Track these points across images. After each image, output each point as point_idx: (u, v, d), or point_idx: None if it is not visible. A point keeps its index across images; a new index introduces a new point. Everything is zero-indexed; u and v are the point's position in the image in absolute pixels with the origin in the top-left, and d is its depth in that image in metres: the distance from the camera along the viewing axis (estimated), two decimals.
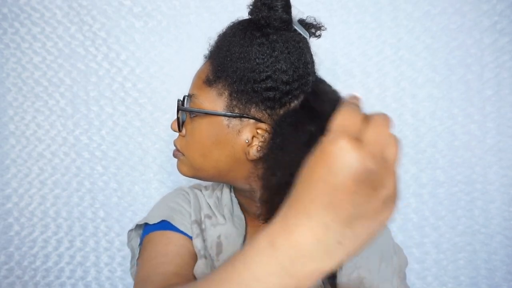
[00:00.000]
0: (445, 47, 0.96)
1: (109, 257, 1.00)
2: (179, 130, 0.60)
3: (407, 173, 0.98)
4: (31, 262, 0.99)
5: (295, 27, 0.54)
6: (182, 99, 0.60)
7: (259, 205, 0.61)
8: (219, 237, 0.61)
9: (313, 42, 0.63)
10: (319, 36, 0.57)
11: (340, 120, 0.29)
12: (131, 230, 0.66)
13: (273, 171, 0.52)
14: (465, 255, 0.99)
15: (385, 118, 0.29)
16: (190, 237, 0.61)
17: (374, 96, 0.97)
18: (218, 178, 0.60)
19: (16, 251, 0.99)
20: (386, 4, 0.96)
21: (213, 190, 0.70)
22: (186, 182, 1.00)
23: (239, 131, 0.54)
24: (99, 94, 0.98)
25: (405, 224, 0.99)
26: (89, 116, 0.98)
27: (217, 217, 0.64)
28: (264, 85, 0.52)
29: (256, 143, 0.54)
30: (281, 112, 0.53)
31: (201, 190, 0.70)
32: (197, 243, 0.60)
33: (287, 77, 0.52)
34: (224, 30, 0.58)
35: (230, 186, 0.69)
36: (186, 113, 0.59)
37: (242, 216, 0.64)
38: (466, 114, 0.97)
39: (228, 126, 0.54)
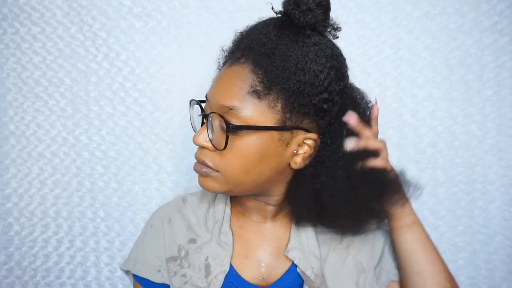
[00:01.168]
0: (445, 47, 0.96)
1: (109, 257, 1.00)
2: (224, 147, 0.51)
3: (407, 173, 0.98)
4: (31, 262, 0.99)
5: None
6: (205, 113, 0.54)
7: (272, 208, 0.61)
8: (206, 259, 0.59)
9: None
10: (337, 37, 0.57)
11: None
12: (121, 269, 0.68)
13: (327, 178, 0.54)
14: (465, 255, 0.99)
15: None
16: (157, 284, 0.62)
17: (374, 96, 0.97)
18: (250, 191, 0.57)
19: (16, 251, 0.99)
20: (386, 4, 0.96)
21: (204, 195, 0.66)
22: (187, 182, 1.00)
23: (288, 143, 0.52)
24: (99, 94, 0.98)
25: None
26: (89, 116, 0.98)
27: (201, 237, 0.61)
28: (321, 97, 0.51)
29: (302, 151, 0.53)
30: (327, 119, 0.54)
31: (185, 200, 0.66)
32: (175, 281, 0.59)
33: (339, 87, 0.52)
34: (262, 32, 0.52)
35: (227, 197, 0.65)
36: (224, 126, 0.51)
37: (230, 234, 0.61)
38: (466, 114, 0.97)
39: (279, 140, 0.51)
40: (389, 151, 0.98)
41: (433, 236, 0.99)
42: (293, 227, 0.61)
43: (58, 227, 0.99)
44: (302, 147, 0.53)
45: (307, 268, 0.58)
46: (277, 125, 0.50)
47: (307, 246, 0.59)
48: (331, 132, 0.55)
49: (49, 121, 0.98)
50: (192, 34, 0.97)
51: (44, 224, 0.99)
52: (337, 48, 0.55)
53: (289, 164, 0.54)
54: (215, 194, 0.65)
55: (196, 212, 0.64)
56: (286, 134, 0.51)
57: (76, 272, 1.00)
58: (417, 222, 0.63)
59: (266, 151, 0.51)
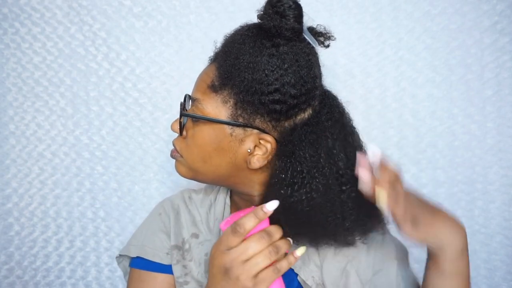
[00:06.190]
0: (445, 47, 0.96)
1: (110, 257, 1.00)
2: (181, 134, 0.59)
3: (407, 173, 0.98)
4: (32, 262, 0.99)
5: (304, 36, 0.53)
6: (183, 100, 0.59)
7: None
8: (206, 254, 0.62)
9: None
10: (328, 46, 0.56)
11: (223, 236, 0.49)
12: (117, 257, 0.69)
13: (281, 183, 0.53)
14: None
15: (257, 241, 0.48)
16: (167, 266, 0.63)
17: (374, 96, 0.98)
18: (217, 182, 0.60)
19: (16, 251, 0.99)
20: (386, 4, 0.96)
21: (207, 194, 0.69)
22: (186, 182, 1.00)
23: (241, 140, 0.54)
24: (99, 94, 0.98)
25: None
26: (89, 116, 0.98)
27: (203, 233, 0.64)
28: (271, 98, 0.51)
29: (258, 152, 0.54)
30: (286, 124, 0.53)
31: (190, 197, 0.69)
32: (176, 270, 0.61)
33: (295, 91, 0.51)
34: (232, 34, 0.56)
35: (227, 189, 0.68)
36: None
37: None
38: (466, 114, 0.97)
39: (231, 135, 0.54)
40: (389, 151, 0.98)
41: None
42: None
43: (58, 227, 1.00)
44: (260, 148, 0.54)
45: (308, 277, 0.58)
46: (228, 120, 0.53)
47: (307, 254, 0.59)
48: (296, 139, 0.52)
49: (49, 121, 0.98)
50: (192, 34, 0.97)
51: (44, 224, 0.99)
52: (308, 55, 0.53)
53: (248, 163, 0.54)
54: (217, 193, 0.68)
55: (199, 210, 0.67)
56: (238, 130, 0.54)
57: (77, 272, 1.00)
58: (462, 274, 0.53)
59: (219, 144, 0.54)
